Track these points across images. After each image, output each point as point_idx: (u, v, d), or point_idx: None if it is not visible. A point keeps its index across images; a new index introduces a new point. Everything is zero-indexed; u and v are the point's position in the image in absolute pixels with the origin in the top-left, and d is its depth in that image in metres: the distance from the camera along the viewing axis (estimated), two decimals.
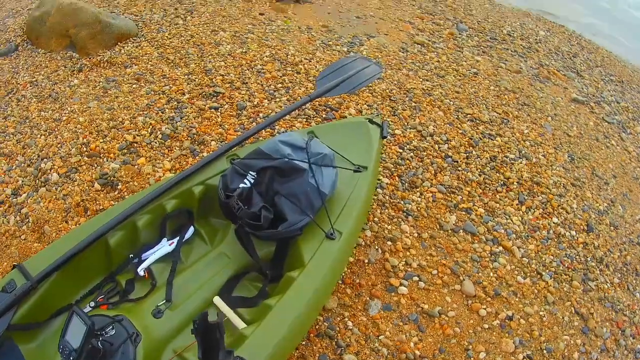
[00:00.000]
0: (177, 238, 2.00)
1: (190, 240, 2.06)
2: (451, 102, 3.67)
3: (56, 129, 3.01)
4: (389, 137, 3.08)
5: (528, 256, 2.63)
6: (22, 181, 2.73)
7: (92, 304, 1.79)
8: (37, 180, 2.73)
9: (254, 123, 3.04)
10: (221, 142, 2.90)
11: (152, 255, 1.94)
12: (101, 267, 1.91)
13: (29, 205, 2.61)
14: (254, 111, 3.14)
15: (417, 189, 2.81)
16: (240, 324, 1.65)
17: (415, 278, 2.32)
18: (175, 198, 2.01)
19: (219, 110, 3.13)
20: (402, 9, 5.28)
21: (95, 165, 2.77)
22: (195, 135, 2.93)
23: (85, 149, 2.84)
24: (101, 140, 2.89)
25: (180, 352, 1.62)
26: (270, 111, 3.16)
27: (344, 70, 2.74)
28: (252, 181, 1.89)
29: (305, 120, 3.16)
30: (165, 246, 1.98)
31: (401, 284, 2.29)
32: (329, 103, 3.34)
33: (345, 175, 2.09)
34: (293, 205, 1.82)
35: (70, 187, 2.67)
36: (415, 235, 2.54)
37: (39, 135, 2.98)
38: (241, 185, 1.87)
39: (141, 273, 1.89)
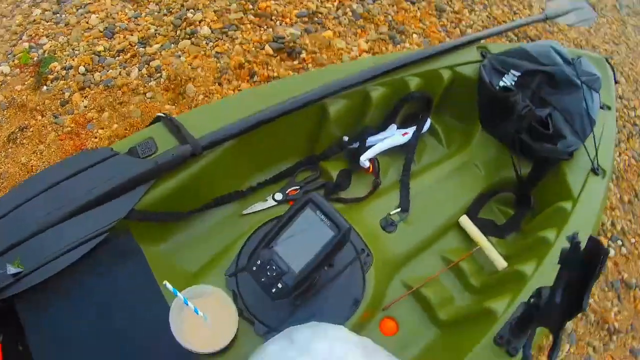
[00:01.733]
0: (413, 128, 1.43)
1: (422, 135, 1.48)
2: None
3: None
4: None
5: None
6: (156, 30, 2.14)
7: (279, 196, 1.23)
8: (180, 31, 2.14)
9: (457, 29, 2.44)
10: (424, 37, 2.30)
11: (380, 143, 1.36)
12: (297, 147, 1.32)
13: (163, 58, 2.04)
14: (455, 17, 2.53)
15: None
16: (501, 262, 1.24)
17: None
18: (418, 76, 1.43)
19: (416, 5, 2.52)
20: None
21: (265, 27, 2.17)
22: (392, 23, 2.32)
23: (251, 7, 2.23)
24: (273, 1, 2.28)
25: (417, 287, 1.16)
26: (471, 22, 2.54)
27: None
28: (514, 81, 1.50)
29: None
30: (397, 135, 1.41)
31: None
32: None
33: None
34: (567, 123, 1.47)
35: (227, 45, 2.09)
36: None
37: None
38: (501, 83, 1.50)
39: (366, 164, 1.31)
